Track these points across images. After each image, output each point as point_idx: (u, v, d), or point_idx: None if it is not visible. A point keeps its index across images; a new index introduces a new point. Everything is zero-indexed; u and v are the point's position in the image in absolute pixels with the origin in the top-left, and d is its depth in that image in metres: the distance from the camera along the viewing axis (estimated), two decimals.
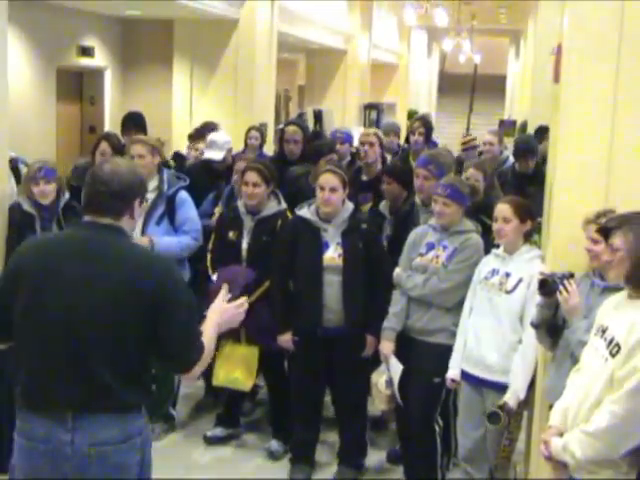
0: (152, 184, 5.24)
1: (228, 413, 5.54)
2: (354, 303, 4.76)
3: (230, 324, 3.06)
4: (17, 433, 2.82)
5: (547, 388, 3.84)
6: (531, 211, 4.37)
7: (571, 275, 3.63)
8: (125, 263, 2.76)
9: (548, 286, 3.63)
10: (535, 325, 3.82)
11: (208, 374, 5.50)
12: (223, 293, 3.05)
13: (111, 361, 2.71)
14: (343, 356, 4.85)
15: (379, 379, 4.73)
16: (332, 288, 4.74)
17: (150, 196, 5.22)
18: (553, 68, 4.43)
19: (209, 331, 2.93)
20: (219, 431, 5.46)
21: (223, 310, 3.01)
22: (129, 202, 2.83)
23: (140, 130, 6.69)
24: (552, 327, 3.73)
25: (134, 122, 6.93)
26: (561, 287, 3.58)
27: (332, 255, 4.75)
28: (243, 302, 3.08)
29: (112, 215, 2.80)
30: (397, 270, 4.69)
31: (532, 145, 6.98)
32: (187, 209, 5.32)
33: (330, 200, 4.72)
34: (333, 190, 4.72)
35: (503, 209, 4.30)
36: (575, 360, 3.38)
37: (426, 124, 7.03)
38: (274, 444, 5.30)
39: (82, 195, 2.91)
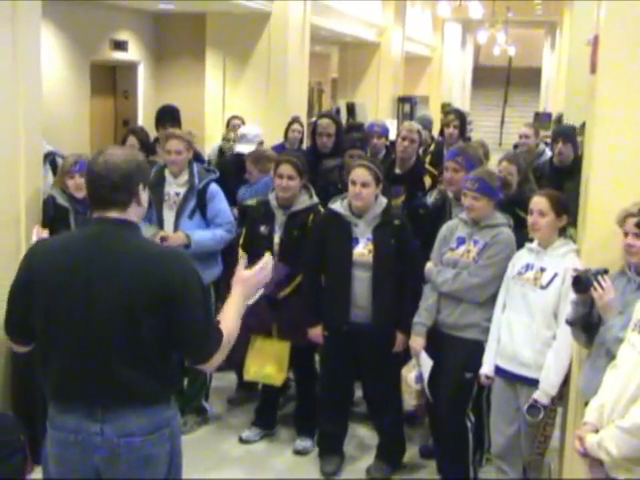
0: (183, 178, 5.28)
1: (264, 414, 5.50)
2: (383, 300, 4.69)
3: (258, 288, 3.02)
4: (49, 424, 2.85)
5: (582, 385, 3.78)
6: (567, 206, 4.28)
7: (605, 271, 3.57)
8: (134, 259, 2.75)
9: (582, 283, 3.57)
10: (570, 322, 3.76)
11: (240, 369, 5.51)
12: (242, 262, 3.03)
13: (130, 356, 2.71)
14: (371, 351, 4.81)
15: (408, 374, 4.71)
16: (361, 284, 4.69)
17: (181, 190, 5.26)
18: (589, 59, 4.35)
19: (231, 310, 2.91)
20: (254, 435, 5.41)
21: (246, 278, 2.97)
22: (132, 191, 2.80)
23: (175, 124, 6.69)
24: (587, 324, 3.67)
25: (170, 115, 6.93)
26: (595, 283, 3.52)
27: (362, 250, 4.70)
28: (267, 261, 3.03)
29: (118, 207, 2.78)
30: (428, 265, 4.65)
31: (568, 131, 6.81)
32: (218, 202, 5.32)
33: (361, 195, 4.67)
34: (365, 185, 4.66)
35: (540, 202, 4.21)
36: (611, 357, 3.32)
37: (461, 117, 6.97)
38: (299, 443, 5.27)
39: (86, 190, 2.87)
